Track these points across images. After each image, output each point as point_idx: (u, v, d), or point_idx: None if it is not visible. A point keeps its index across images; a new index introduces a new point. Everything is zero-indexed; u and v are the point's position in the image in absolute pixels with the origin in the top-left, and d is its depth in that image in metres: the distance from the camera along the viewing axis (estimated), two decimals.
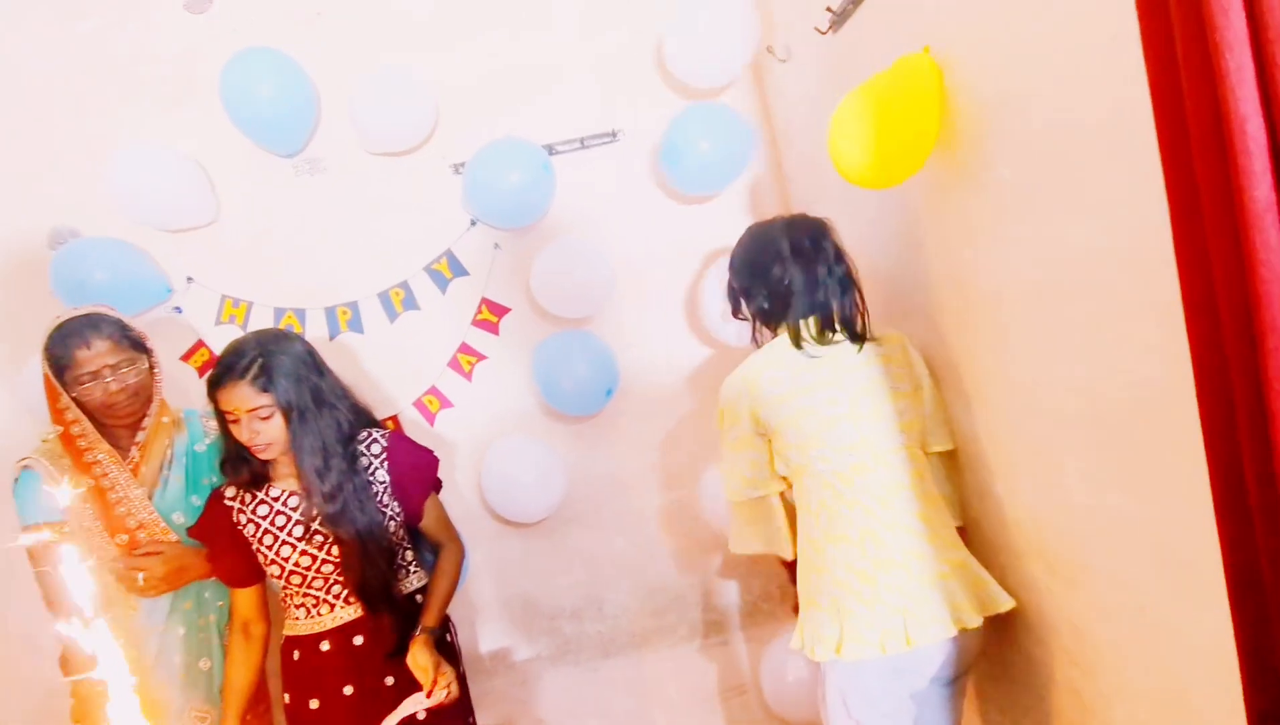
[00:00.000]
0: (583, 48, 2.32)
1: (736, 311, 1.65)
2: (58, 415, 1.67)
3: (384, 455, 1.73)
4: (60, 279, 2.16)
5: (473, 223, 2.34)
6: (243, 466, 1.70)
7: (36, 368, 2.16)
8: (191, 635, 1.79)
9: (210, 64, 2.18)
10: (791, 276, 1.50)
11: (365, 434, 1.74)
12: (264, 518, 1.71)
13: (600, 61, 2.32)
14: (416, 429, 2.35)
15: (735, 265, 1.62)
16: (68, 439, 1.67)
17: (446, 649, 1.78)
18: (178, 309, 2.33)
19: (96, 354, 1.65)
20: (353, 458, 1.70)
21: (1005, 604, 1.43)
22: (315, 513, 1.67)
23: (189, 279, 2.33)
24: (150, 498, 1.75)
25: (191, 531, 1.75)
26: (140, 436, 1.74)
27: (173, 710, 1.71)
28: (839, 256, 1.53)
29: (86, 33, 2.28)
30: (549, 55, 2.32)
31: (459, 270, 2.35)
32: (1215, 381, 0.61)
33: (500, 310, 2.35)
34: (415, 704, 1.59)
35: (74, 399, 1.65)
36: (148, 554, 1.71)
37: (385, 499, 1.72)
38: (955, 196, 1.38)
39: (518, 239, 2.34)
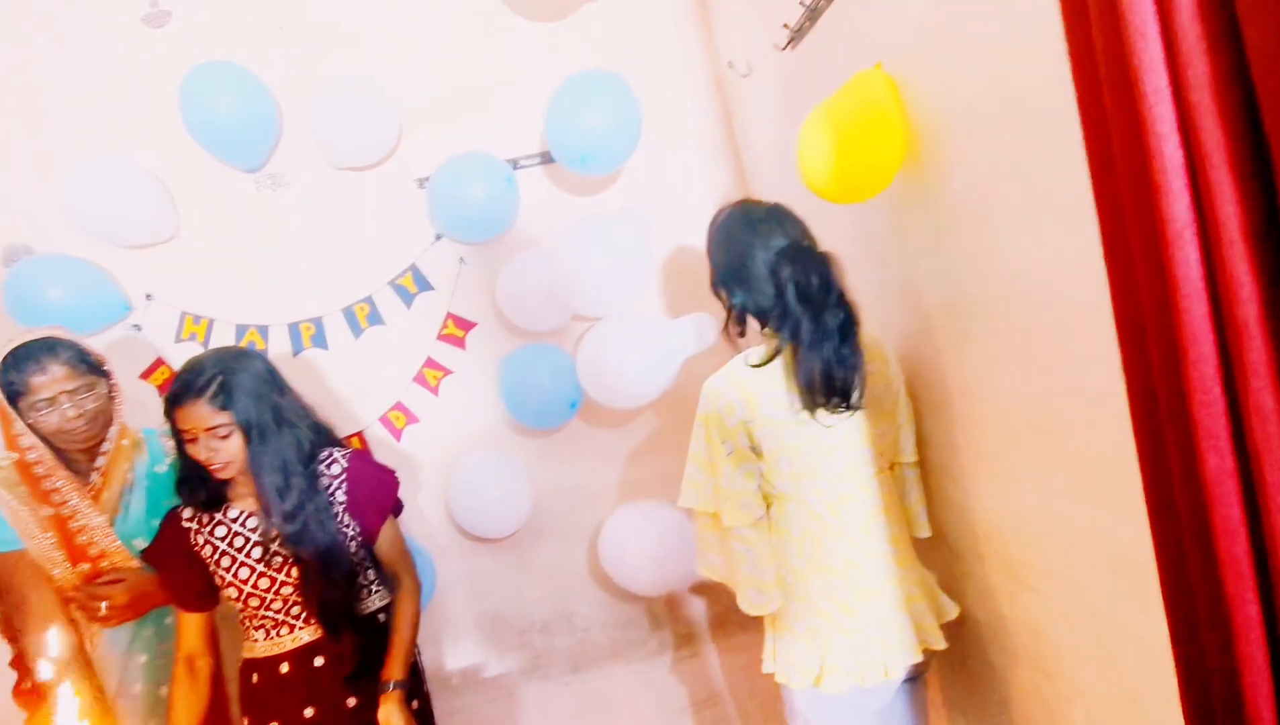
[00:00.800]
0: (545, 62, 2.33)
1: (716, 293, 1.51)
2: (12, 442, 1.63)
3: (343, 475, 1.70)
4: (13, 298, 2.12)
5: (438, 237, 2.33)
6: (199, 487, 1.65)
7: None
8: (152, 662, 1.75)
9: (169, 78, 2.16)
10: (791, 305, 1.36)
11: (326, 453, 1.70)
12: (221, 539, 1.67)
13: (560, 73, 2.32)
14: (382, 446, 2.34)
15: (716, 253, 1.48)
16: (24, 467, 1.63)
17: (414, 676, 1.77)
18: (136, 327, 2.29)
19: (53, 380, 1.60)
20: (313, 477, 1.67)
21: (953, 612, 1.45)
22: (274, 533, 1.64)
23: (148, 296, 2.29)
24: (112, 524, 1.71)
25: (146, 553, 1.71)
26: (100, 461, 1.70)
27: None
28: (841, 299, 1.37)
29: (44, 45, 2.25)
30: (512, 69, 2.33)
31: (424, 285, 2.34)
32: (1144, 390, 0.63)
33: (466, 325, 2.35)
34: None
35: (29, 425, 1.60)
36: (110, 583, 1.67)
37: (345, 519, 1.70)
38: (912, 209, 1.41)
39: (483, 253, 2.34)
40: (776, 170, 2.12)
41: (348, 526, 1.70)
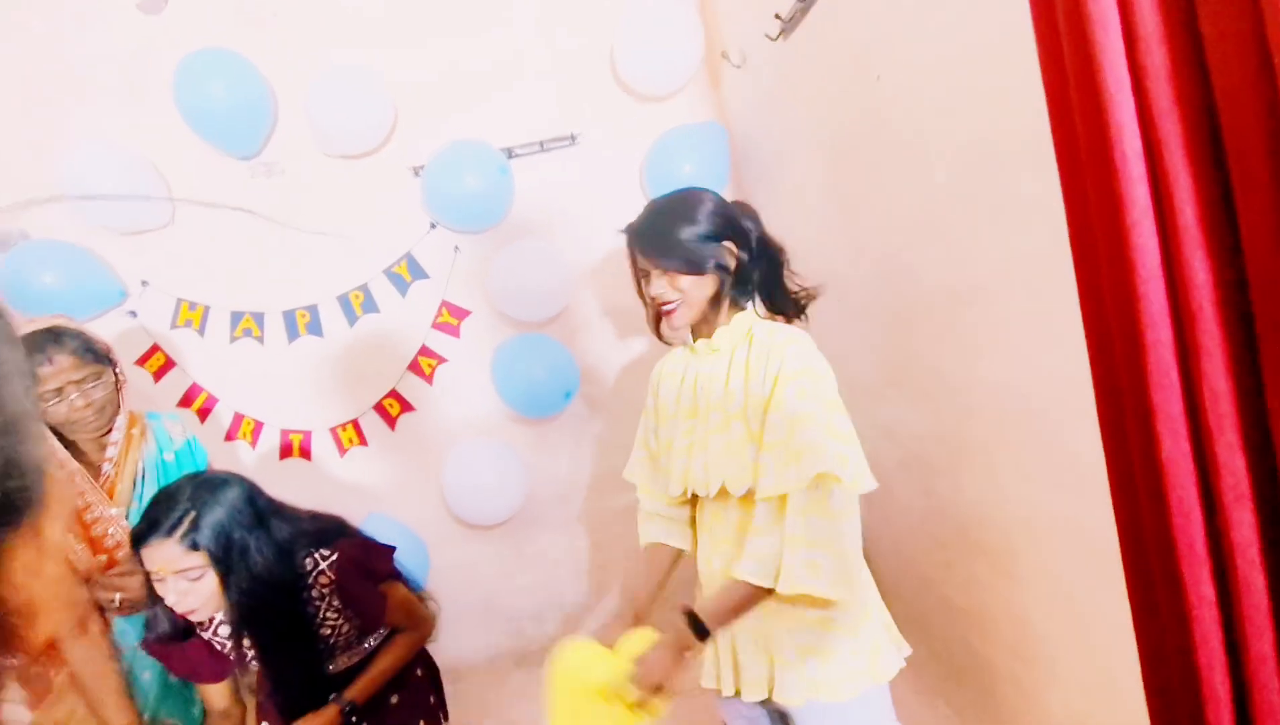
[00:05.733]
0: (539, 51, 2.33)
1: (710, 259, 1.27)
2: None
3: (331, 587, 1.61)
4: (7, 283, 2.13)
5: (432, 226, 2.34)
6: (162, 625, 1.55)
7: None
8: None
9: (164, 65, 2.17)
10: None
11: (311, 563, 1.59)
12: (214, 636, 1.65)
13: (557, 65, 2.33)
14: (377, 433, 2.35)
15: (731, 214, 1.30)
16: None
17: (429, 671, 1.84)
18: (132, 313, 2.30)
19: (59, 370, 1.59)
20: (297, 598, 1.58)
21: (839, 691, 1.34)
22: (263, 654, 1.62)
23: (144, 282, 2.30)
24: (126, 517, 1.72)
25: (151, 651, 1.62)
26: (112, 452, 1.71)
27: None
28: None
29: (40, 33, 2.25)
30: (506, 58, 2.33)
31: (419, 273, 2.35)
32: (1107, 375, 0.64)
33: (461, 313, 2.36)
34: None
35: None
36: (124, 574, 1.68)
37: (335, 617, 1.65)
38: (895, 200, 1.41)
39: (478, 241, 2.34)
40: (764, 159, 2.13)
41: (334, 623, 1.69)
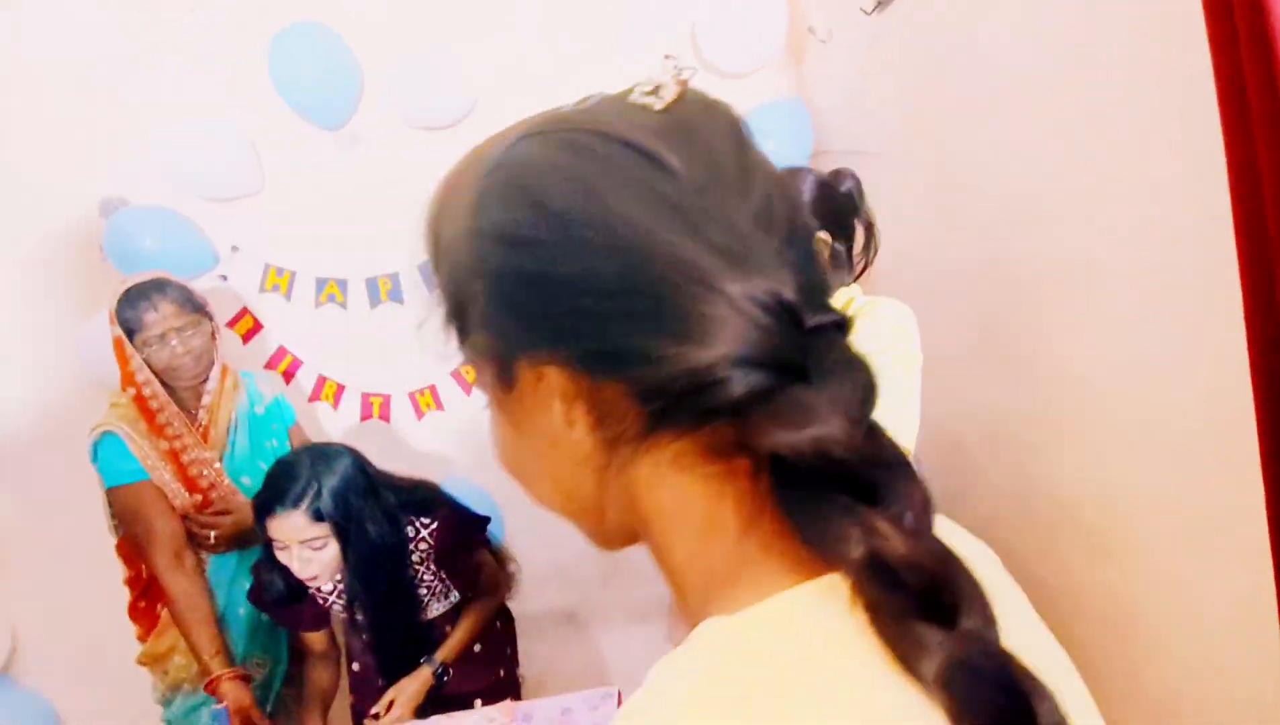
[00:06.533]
0: (618, 29, 2.34)
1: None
2: (129, 378, 1.73)
3: (430, 551, 1.72)
4: (113, 246, 2.23)
5: None
6: (276, 587, 1.67)
7: (92, 330, 2.25)
8: None
9: (259, 37, 2.23)
10: None
11: (413, 531, 1.71)
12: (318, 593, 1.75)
13: (639, 43, 2.34)
14: (453, 398, 2.42)
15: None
16: (141, 401, 1.74)
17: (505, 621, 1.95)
18: (223, 277, 2.38)
19: (163, 317, 1.71)
20: (401, 561, 1.70)
21: None
22: (366, 614, 1.72)
23: (234, 248, 2.39)
24: (220, 461, 1.82)
25: (251, 597, 1.76)
26: (206, 399, 1.81)
27: (234, 658, 1.79)
28: None
29: (138, 4, 2.32)
30: (586, 36, 2.35)
31: None
32: (1269, 356, 0.64)
33: None
34: None
35: (144, 361, 1.70)
36: (218, 513, 1.78)
37: (429, 577, 1.76)
38: (997, 176, 1.41)
39: None
40: (850, 136, 2.12)
41: (427, 581, 1.77)
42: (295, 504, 1.50)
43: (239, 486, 1.83)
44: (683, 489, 0.41)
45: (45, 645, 2.45)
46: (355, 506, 1.56)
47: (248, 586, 1.80)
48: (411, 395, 2.42)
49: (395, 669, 1.80)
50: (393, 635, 1.74)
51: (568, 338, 0.39)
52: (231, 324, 2.39)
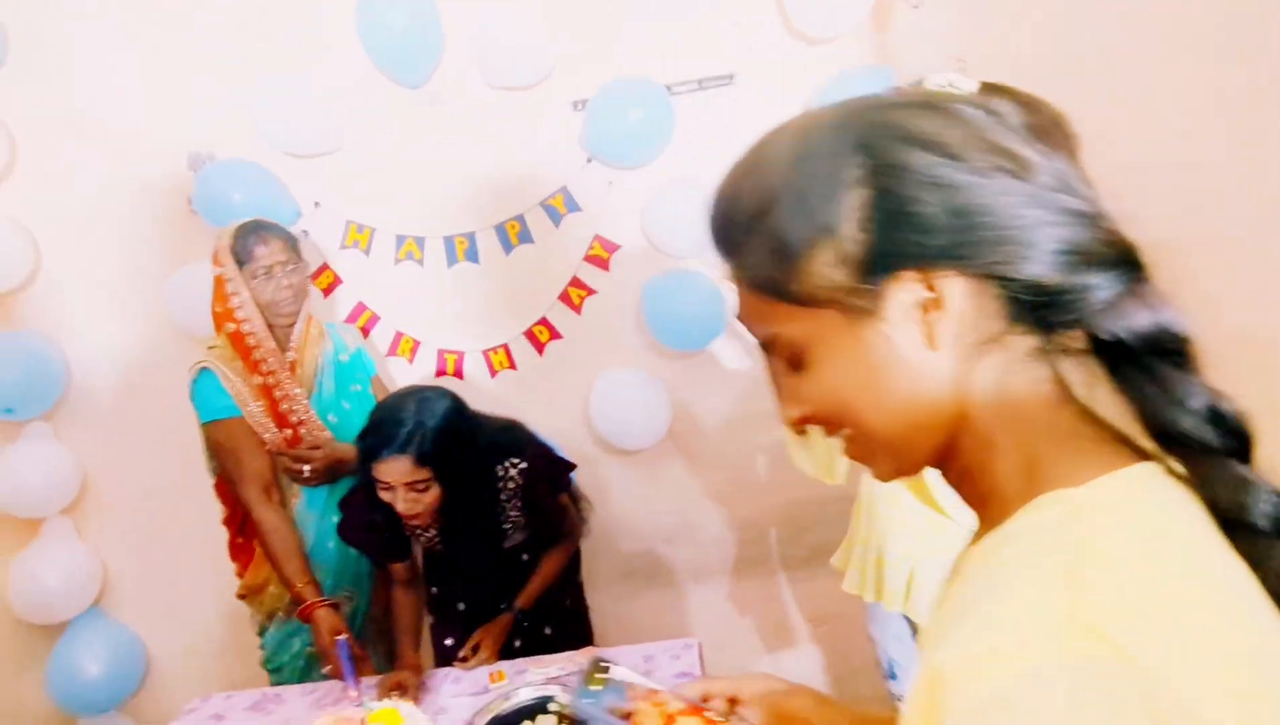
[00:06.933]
0: None
1: None
2: (228, 314, 1.81)
3: (518, 491, 1.80)
4: (203, 197, 2.30)
5: (589, 160, 2.40)
6: (386, 536, 1.76)
7: (180, 281, 2.32)
8: None
9: None
10: None
11: (502, 471, 1.77)
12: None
13: (721, 2, 2.33)
14: (525, 358, 2.47)
15: None
16: (238, 337, 1.82)
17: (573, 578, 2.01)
18: (305, 232, 2.43)
19: (272, 251, 1.82)
20: (494, 502, 1.79)
21: None
22: (456, 546, 1.81)
23: (316, 203, 2.44)
24: (307, 399, 1.90)
25: (341, 532, 1.85)
26: (295, 340, 1.90)
27: (325, 590, 1.87)
28: None
29: None
30: None
31: (573, 206, 2.42)
32: None
33: (612, 247, 2.43)
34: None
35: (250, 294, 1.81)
36: (311, 448, 1.86)
37: (514, 514, 1.84)
38: (1114, 148, 1.41)
39: (631, 177, 2.40)
40: None
41: (511, 518, 1.84)
42: (402, 449, 1.55)
43: (325, 424, 1.91)
44: (1025, 381, 0.48)
45: (133, 581, 2.57)
46: (456, 448, 1.62)
47: (336, 521, 1.89)
48: (485, 353, 2.48)
49: (475, 593, 1.88)
50: (476, 562, 1.81)
51: (969, 239, 0.46)
52: (313, 278, 2.44)
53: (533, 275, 2.45)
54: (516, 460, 1.79)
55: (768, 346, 0.54)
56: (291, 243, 1.90)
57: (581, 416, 2.46)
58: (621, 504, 2.52)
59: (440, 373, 2.49)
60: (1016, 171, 0.46)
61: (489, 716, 1.55)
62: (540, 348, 2.47)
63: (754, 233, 0.51)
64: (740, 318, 0.55)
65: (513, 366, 2.48)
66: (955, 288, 0.46)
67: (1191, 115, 1.26)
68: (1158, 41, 1.30)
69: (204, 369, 1.82)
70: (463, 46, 2.35)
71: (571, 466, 1.94)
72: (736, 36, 2.34)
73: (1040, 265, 0.45)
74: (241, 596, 1.95)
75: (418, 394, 1.67)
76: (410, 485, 1.58)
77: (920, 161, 0.46)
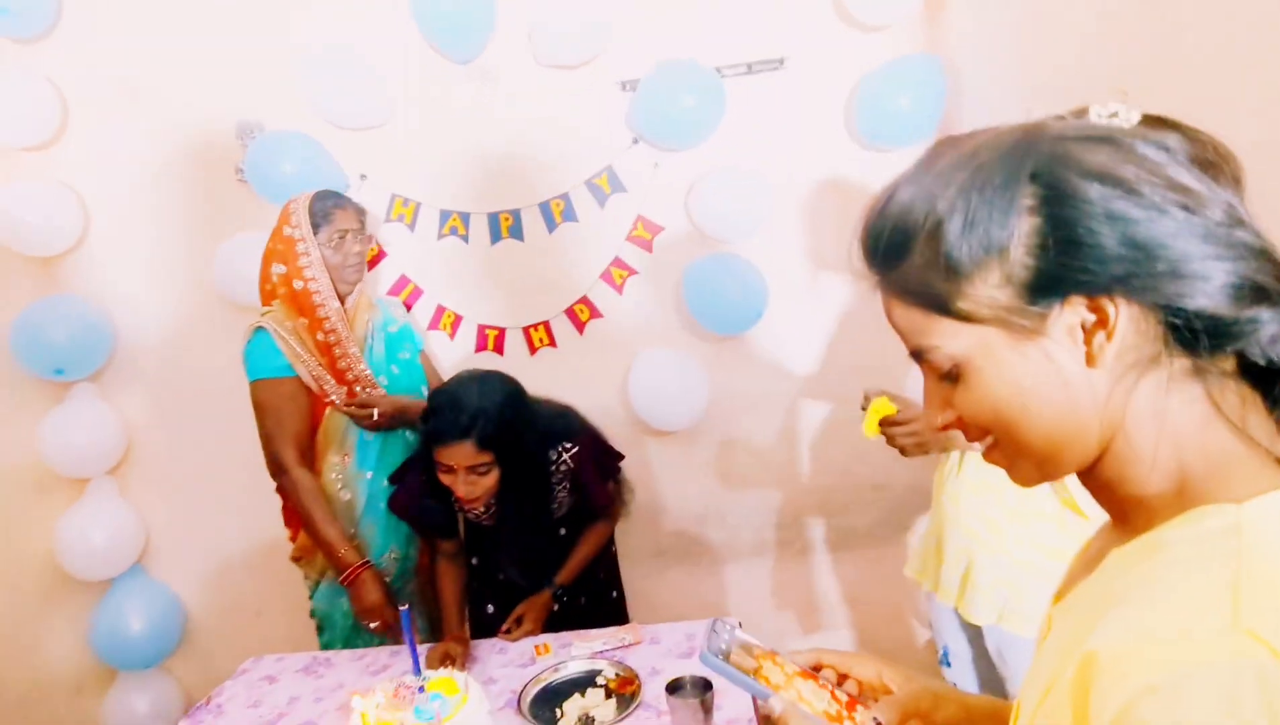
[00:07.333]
0: None
1: None
2: (297, 273, 1.86)
3: (567, 476, 1.83)
4: (253, 167, 2.31)
5: (635, 141, 2.41)
6: (437, 514, 1.83)
7: (228, 248, 2.35)
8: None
9: None
10: None
11: (555, 455, 1.81)
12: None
13: None
14: (566, 336, 2.49)
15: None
16: (305, 295, 1.88)
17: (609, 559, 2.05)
18: None
19: (347, 216, 1.92)
20: (545, 487, 1.82)
21: None
22: (507, 525, 1.83)
23: (362, 176, 2.45)
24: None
25: (392, 506, 1.90)
26: (349, 306, 1.97)
27: (374, 548, 1.95)
28: None
29: None
30: None
31: (618, 186, 2.43)
32: None
33: (655, 228, 2.45)
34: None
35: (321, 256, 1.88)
36: (369, 397, 1.92)
37: (563, 495, 1.87)
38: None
39: (676, 159, 2.40)
40: (987, 98, 2.11)
41: (563, 497, 1.87)
42: (465, 434, 1.59)
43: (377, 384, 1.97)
44: (1179, 399, 0.51)
45: (174, 542, 2.63)
46: (515, 434, 1.65)
47: (386, 483, 1.93)
48: (526, 330, 2.50)
49: (516, 566, 1.92)
50: (519, 538, 1.85)
51: (1144, 271, 0.48)
52: None
53: (575, 254, 2.47)
54: (569, 445, 1.82)
55: (920, 355, 0.56)
56: (362, 215, 1.98)
57: (619, 395, 2.49)
58: (656, 483, 2.56)
59: (480, 348, 2.52)
60: (1190, 206, 0.48)
61: (540, 686, 1.59)
62: (581, 326, 2.50)
63: (921, 248, 0.53)
64: (893, 325, 0.57)
65: (553, 344, 2.51)
66: (1122, 313, 0.49)
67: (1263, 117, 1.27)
68: (1211, 43, 1.30)
69: (259, 329, 1.87)
70: (513, 24, 2.36)
71: (620, 457, 1.98)
72: (788, 21, 2.34)
73: (1211, 298, 0.47)
74: (296, 559, 2.00)
75: (479, 379, 1.70)
76: (471, 468, 1.62)
77: (1097, 194, 0.48)
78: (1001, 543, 1.50)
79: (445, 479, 1.66)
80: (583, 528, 1.96)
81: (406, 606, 1.52)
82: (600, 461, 1.91)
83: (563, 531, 1.96)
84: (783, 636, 2.58)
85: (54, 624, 2.52)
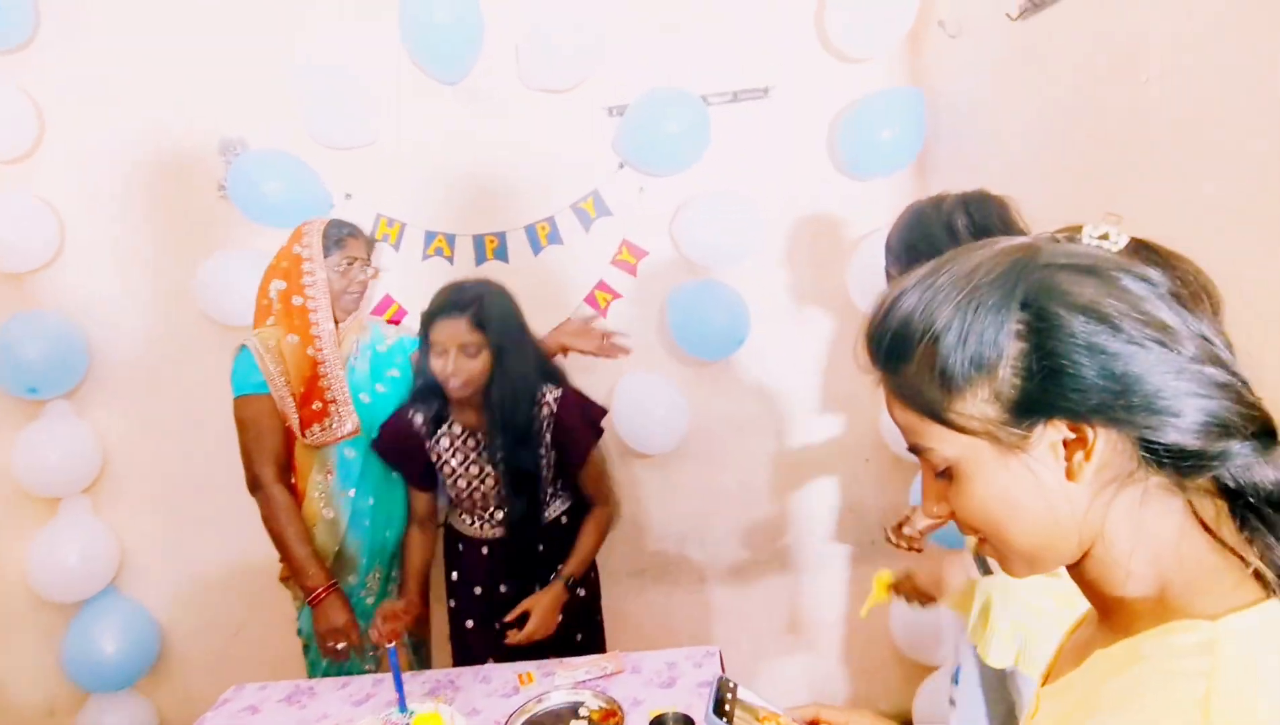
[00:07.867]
0: (742, 3, 2.35)
1: None
2: (298, 289, 1.86)
3: (551, 417, 1.88)
4: (237, 184, 2.30)
5: (620, 165, 2.42)
6: (432, 401, 1.89)
7: (211, 266, 2.33)
8: (379, 506, 2.00)
9: None
10: None
11: (541, 392, 1.88)
12: (445, 450, 1.90)
13: (760, 17, 2.35)
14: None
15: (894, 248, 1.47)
16: (301, 312, 1.88)
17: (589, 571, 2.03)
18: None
19: (357, 245, 1.95)
20: (532, 410, 1.86)
21: None
22: (495, 454, 1.84)
23: (347, 195, 2.44)
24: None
25: (376, 445, 1.95)
26: (341, 327, 1.97)
27: (359, 568, 1.97)
28: None
29: None
30: (711, 5, 2.36)
31: (603, 210, 2.45)
32: None
33: (639, 252, 2.46)
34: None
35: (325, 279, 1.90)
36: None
37: (545, 450, 1.90)
38: (1142, 204, 1.46)
39: (661, 185, 2.42)
40: (971, 135, 2.15)
41: (545, 455, 1.89)
42: (461, 311, 1.71)
43: (355, 402, 1.96)
44: (1156, 511, 0.54)
45: (150, 561, 2.60)
46: (512, 330, 1.77)
47: (370, 502, 1.96)
48: None
49: (504, 568, 1.95)
50: (522, 491, 1.87)
51: (1120, 403, 0.51)
52: None
53: (560, 277, 2.48)
54: (553, 387, 1.87)
55: (917, 452, 0.59)
56: (371, 248, 2.02)
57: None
58: (638, 504, 2.57)
59: None
60: (1167, 342, 0.51)
61: (524, 718, 1.60)
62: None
63: (920, 357, 0.56)
64: (893, 419, 0.60)
65: None
66: (1100, 436, 0.52)
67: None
68: (1196, 76, 1.34)
69: (243, 346, 1.89)
70: (502, 47, 2.36)
71: (604, 411, 2.01)
72: (774, 51, 2.37)
73: (1182, 434, 0.50)
74: (285, 579, 1.99)
75: (482, 278, 1.83)
76: (463, 348, 1.70)
77: (1080, 327, 0.51)
78: (1015, 586, 1.53)
79: (436, 365, 1.72)
80: (581, 517, 1.99)
81: (393, 645, 1.53)
82: (582, 412, 1.95)
83: (564, 521, 1.98)
84: (761, 656, 2.62)
85: (25, 644, 2.48)
